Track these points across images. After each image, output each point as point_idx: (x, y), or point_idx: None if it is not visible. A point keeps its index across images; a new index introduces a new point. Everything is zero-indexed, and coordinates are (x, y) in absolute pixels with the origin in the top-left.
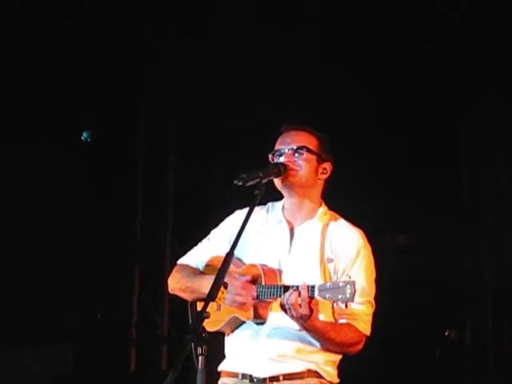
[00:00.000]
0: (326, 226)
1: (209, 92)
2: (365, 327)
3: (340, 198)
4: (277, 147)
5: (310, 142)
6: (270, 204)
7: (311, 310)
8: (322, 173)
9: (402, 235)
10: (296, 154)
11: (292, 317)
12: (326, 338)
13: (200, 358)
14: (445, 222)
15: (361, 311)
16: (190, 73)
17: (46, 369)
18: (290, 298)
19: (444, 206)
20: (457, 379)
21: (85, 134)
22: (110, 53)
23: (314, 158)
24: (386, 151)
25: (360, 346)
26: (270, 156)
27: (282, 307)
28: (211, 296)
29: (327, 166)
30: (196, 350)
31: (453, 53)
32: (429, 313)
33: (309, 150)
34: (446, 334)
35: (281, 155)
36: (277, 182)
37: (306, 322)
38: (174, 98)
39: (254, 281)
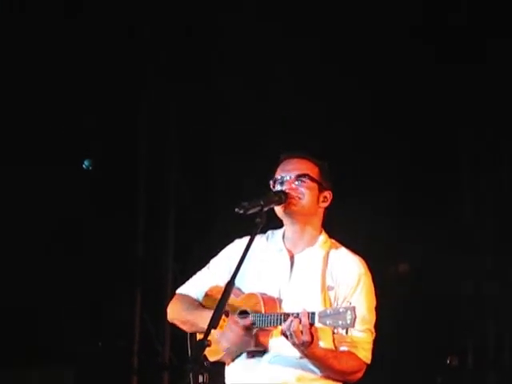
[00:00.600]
0: (326, 253)
1: (210, 107)
2: (365, 355)
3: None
4: (278, 175)
5: (311, 169)
6: (269, 232)
7: (312, 337)
8: (323, 201)
9: (403, 264)
10: (297, 182)
11: (293, 344)
12: (326, 366)
13: None
14: (443, 247)
15: (361, 339)
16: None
17: None
18: (291, 324)
19: (442, 231)
20: None
21: (86, 163)
22: (109, 59)
23: (315, 186)
24: (385, 175)
25: (360, 374)
26: (271, 183)
27: (284, 334)
28: (213, 324)
29: (328, 194)
30: (197, 379)
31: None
32: (430, 339)
33: (311, 178)
34: (448, 361)
35: (282, 183)
36: (278, 209)
37: (307, 348)
38: (173, 118)
39: (254, 317)
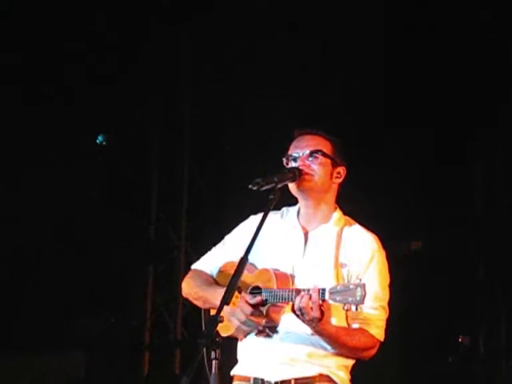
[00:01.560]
0: (340, 230)
1: (222, 97)
2: (378, 332)
3: (353, 205)
4: (291, 151)
5: (325, 146)
6: (284, 209)
7: (322, 313)
8: (337, 177)
9: (416, 242)
10: (311, 158)
11: (304, 320)
12: (338, 343)
13: (213, 362)
14: (460, 231)
15: (374, 316)
16: (203, 77)
17: (59, 373)
18: (301, 301)
19: (460, 215)
20: None
21: (100, 138)
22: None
23: (328, 161)
24: (404, 156)
25: (373, 352)
26: (284, 160)
27: (294, 311)
28: (225, 300)
29: (341, 170)
30: (209, 355)
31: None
32: (443, 320)
33: (324, 154)
34: (460, 340)
35: (295, 159)
36: (292, 186)
37: (318, 325)
38: (187, 102)
39: (265, 300)
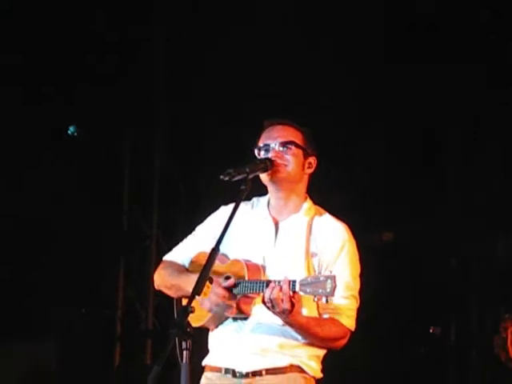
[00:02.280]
0: (310, 220)
1: (197, 86)
2: (349, 322)
3: (325, 196)
4: (262, 142)
5: (296, 136)
6: (254, 199)
7: (293, 305)
8: (308, 167)
9: (387, 232)
10: (283, 149)
11: (274, 312)
12: (309, 333)
13: (184, 352)
14: (430, 221)
15: (345, 306)
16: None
17: (29, 363)
18: (271, 292)
19: (430, 205)
20: (442, 376)
21: (71, 129)
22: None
23: (300, 152)
24: (374, 149)
25: (344, 341)
26: (256, 151)
27: (265, 302)
28: (197, 291)
29: (312, 160)
30: (180, 345)
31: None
32: (413, 310)
33: (296, 145)
34: (431, 331)
35: (267, 150)
36: (264, 177)
37: (288, 316)
38: (162, 93)
39: (237, 283)
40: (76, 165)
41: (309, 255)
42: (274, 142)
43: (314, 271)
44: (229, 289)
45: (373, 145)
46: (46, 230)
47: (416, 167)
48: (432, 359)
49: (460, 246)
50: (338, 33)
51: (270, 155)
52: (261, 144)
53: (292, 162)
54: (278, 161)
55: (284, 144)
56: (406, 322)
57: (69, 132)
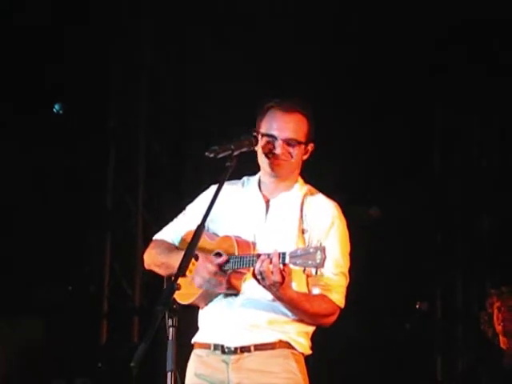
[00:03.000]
0: (301, 198)
1: (183, 63)
2: (339, 298)
3: (312, 171)
4: (268, 130)
5: (301, 128)
6: (245, 178)
7: (283, 277)
8: (305, 153)
9: (373, 208)
10: (287, 144)
11: (265, 285)
12: (299, 309)
13: (170, 329)
14: (416, 197)
15: (335, 282)
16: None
17: (17, 341)
18: (261, 265)
19: (416, 180)
20: (428, 352)
21: (57, 106)
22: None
23: (302, 145)
24: (362, 123)
25: (333, 318)
26: (260, 137)
27: (255, 276)
28: (182, 268)
29: (310, 147)
30: (167, 322)
31: None
32: (400, 286)
33: (299, 142)
34: (417, 306)
35: (272, 142)
36: (264, 162)
37: (279, 290)
38: (146, 72)
39: (228, 259)
40: (61, 141)
41: (299, 231)
42: (282, 136)
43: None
44: (220, 265)
45: (355, 120)
46: (32, 206)
47: (403, 142)
48: (418, 335)
49: (445, 223)
50: None
51: (276, 151)
52: (266, 132)
53: (296, 157)
54: (285, 157)
55: (292, 141)
56: (392, 298)
57: (54, 110)
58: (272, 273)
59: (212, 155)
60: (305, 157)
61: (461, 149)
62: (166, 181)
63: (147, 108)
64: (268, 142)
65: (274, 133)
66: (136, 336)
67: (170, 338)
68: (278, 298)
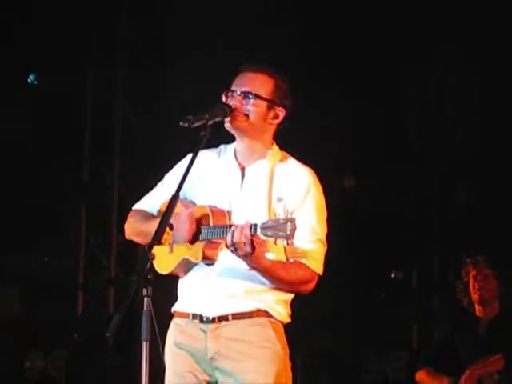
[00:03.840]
0: (275, 165)
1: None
2: (316, 265)
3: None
4: (232, 87)
5: (264, 85)
6: (222, 146)
7: (254, 248)
8: (273, 118)
9: (349, 178)
10: (244, 99)
11: (238, 256)
12: (275, 277)
13: (145, 299)
14: (393, 168)
15: (312, 250)
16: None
17: None
18: (233, 236)
19: (392, 151)
20: (404, 321)
21: (31, 77)
22: None
23: (263, 103)
24: (339, 95)
25: (312, 285)
26: (224, 96)
27: (228, 246)
28: (157, 237)
29: (279, 111)
30: (141, 292)
31: None
32: (375, 255)
33: (257, 96)
34: (393, 275)
35: (232, 97)
36: (226, 124)
37: (252, 259)
38: (123, 43)
39: (202, 229)
40: (36, 113)
41: (274, 200)
42: (238, 90)
43: (280, 216)
44: (194, 235)
45: (334, 92)
46: (8, 177)
47: (378, 114)
48: (394, 304)
49: (422, 193)
50: None
51: (232, 102)
52: (229, 88)
53: (252, 113)
54: (238, 110)
55: (245, 94)
56: (368, 267)
57: (29, 80)
58: (244, 244)
59: (186, 125)
60: (275, 121)
61: (436, 123)
62: (142, 153)
63: (123, 82)
64: (227, 96)
65: (234, 88)
66: (112, 307)
67: (145, 307)
68: (253, 267)
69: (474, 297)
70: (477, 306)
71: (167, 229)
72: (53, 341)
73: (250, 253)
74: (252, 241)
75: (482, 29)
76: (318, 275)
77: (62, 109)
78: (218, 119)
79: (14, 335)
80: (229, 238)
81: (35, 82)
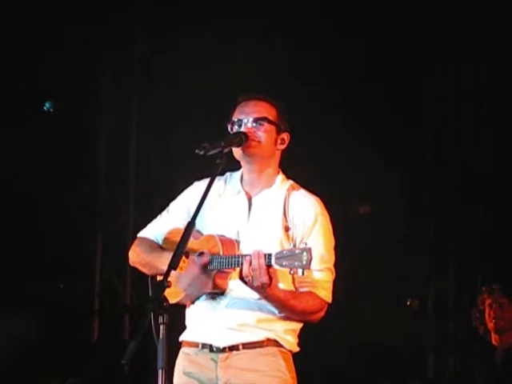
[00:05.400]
0: (283, 194)
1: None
2: (326, 294)
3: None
4: (235, 117)
5: (269, 112)
6: (228, 174)
7: (270, 278)
8: (281, 143)
9: (363, 206)
10: (256, 125)
11: (252, 287)
12: (287, 307)
13: (161, 327)
14: (408, 193)
15: (321, 279)
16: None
17: (8, 338)
18: (248, 268)
19: (410, 175)
20: (419, 349)
21: (47, 105)
22: None
23: (273, 128)
24: (353, 117)
25: (322, 314)
26: (229, 126)
27: (242, 278)
28: (173, 265)
29: (285, 136)
30: (157, 319)
31: None
32: (391, 283)
33: (268, 121)
34: (408, 303)
35: (240, 126)
36: (237, 151)
37: (267, 290)
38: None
39: (212, 259)
40: (51, 137)
41: (282, 229)
42: (247, 118)
43: (288, 245)
44: (204, 265)
45: (347, 115)
46: (24, 203)
47: (395, 137)
48: (409, 332)
49: (438, 219)
50: None
51: (242, 131)
52: (234, 119)
53: (264, 138)
54: (251, 136)
55: (257, 120)
56: (383, 295)
57: (45, 108)
58: (259, 274)
59: (202, 152)
60: (281, 146)
61: (454, 143)
62: (156, 180)
63: (138, 107)
64: (236, 127)
65: (241, 116)
66: (127, 334)
67: (161, 335)
68: (266, 298)
69: (490, 325)
70: (493, 335)
71: (183, 257)
72: (68, 368)
73: (267, 284)
74: (268, 271)
75: None
76: (328, 303)
77: (77, 133)
78: (233, 146)
79: (30, 362)
80: (244, 269)
81: (51, 110)
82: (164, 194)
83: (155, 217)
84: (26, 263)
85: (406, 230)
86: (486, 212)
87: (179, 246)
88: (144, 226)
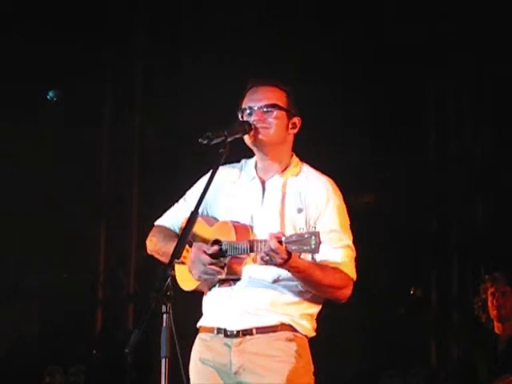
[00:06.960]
0: (295, 177)
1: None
2: (350, 270)
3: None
4: (245, 104)
5: (280, 97)
6: (243, 161)
7: (289, 253)
8: (292, 127)
9: (368, 195)
10: (266, 112)
11: (275, 265)
12: (313, 280)
13: (164, 316)
14: (412, 184)
15: (342, 255)
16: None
17: (11, 328)
18: (263, 252)
19: (411, 168)
20: (422, 337)
21: (51, 94)
22: None
23: (284, 114)
24: (355, 114)
25: (349, 292)
26: (240, 114)
27: (263, 259)
28: (176, 254)
29: (296, 120)
30: (160, 308)
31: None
32: (394, 272)
33: (279, 108)
34: (412, 292)
35: (251, 114)
36: (247, 139)
37: (289, 263)
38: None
39: (226, 246)
40: (55, 131)
41: (296, 211)
42: (258, 105)
43: (302, 228)
44: (217, 253)
45: (351, 106)
46: (26, 194)
47: (395, 130)
48: (413, 320)
49: (441, 209)
50: None
51: (252, 118)
52: (244, 106)
53: (275, 125)
54: (261, 124)
55: (267, 107)
56: (387, 283)
57: (48, 97)
58: (277, 254)
59: (205, 142)
60: (292, 131)
61: (455, 136)
62: (161, 169)
63: (142, 98)
64: (247, 115)
65: (251, 104)
66: (131, 323)
67: (164, 324)
68: (292, 272)
69: (493, 313)
70: (495, 323)
71: (186, 246)
72: (71, 356)
73: (287, 258)
74: (282, 249)
75: None
76: (353, 280)
77: (80, 125)
78: (237, 136)
79: (33, 351)
80: (266, 248)
81: (54, 99)
82: (168, 183)
83: (159, 207)
84: (29, 254)
85: (409, 221)
86: (489, 202)
87: (182, 235)
88: (148, 215)
